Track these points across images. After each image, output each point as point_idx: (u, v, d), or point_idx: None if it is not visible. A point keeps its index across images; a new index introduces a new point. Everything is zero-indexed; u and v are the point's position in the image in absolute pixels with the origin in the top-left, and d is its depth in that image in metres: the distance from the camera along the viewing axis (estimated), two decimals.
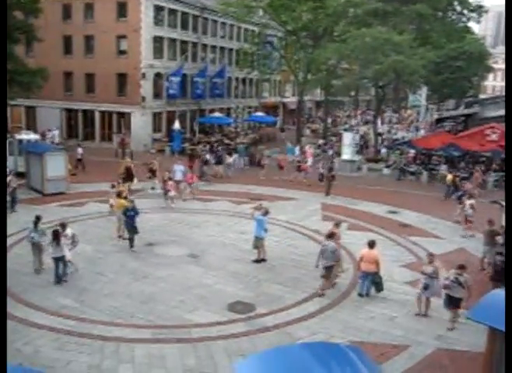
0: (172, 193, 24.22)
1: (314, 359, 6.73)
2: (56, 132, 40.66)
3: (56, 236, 14.82)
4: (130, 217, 17.85)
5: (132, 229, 17.96)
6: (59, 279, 14.99)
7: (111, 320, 12.81)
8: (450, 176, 28.69)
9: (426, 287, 13.37)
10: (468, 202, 21.54)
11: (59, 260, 14.90)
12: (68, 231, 15.53)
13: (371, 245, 14.65)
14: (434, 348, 12.04)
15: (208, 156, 32.33)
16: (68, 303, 13.67)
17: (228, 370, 10.29)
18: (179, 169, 26.18)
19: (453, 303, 12.89)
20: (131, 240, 17.97)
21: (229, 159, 33.15)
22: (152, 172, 27.33)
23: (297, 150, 38.93)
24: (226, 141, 43.30)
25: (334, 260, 14.74)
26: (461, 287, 12.73)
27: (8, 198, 21.85)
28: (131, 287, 14.91)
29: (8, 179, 22.46)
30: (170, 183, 24.44)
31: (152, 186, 27.00)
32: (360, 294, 14.72)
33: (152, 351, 11.43)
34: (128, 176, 25.87)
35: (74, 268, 15.69)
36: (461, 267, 12.98)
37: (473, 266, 16.94)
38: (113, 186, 21.67)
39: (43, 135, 38.86)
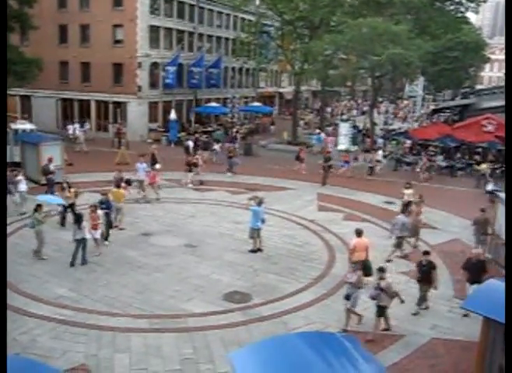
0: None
1: (310, 348, 6.78)
2: (77, 125, 37.95)
3: (78, 219, 15.46)
4: (104, 210, 17.38)
5: (106, 223, 17.58)
6: (77, 260, 15.51)
7: (108, 310, 12.85)
8: (484, 165, 27.46)
9: (347, 297, 12.28)
10: (406, 192, 21.48)
11: (80, 242, 15.43)
12: (100, 212, 16.59)
13: (359, 233, 14.72)
14: (429, 337, 12.14)
15: (190, 143, 33.06)
16: (64, 293, 13.70)
17: (224, 359, 10.33)
18: (142, 168, 23.70)
19: (379, 312, 11.92)
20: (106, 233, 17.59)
21: (215, 146, 34.21)
22: (194, 165, 26.96)
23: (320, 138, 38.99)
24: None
25: (405, 232, 16.72)
26: (384, 294, 11.79)
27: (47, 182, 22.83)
28: (128, 277, 14.95)
29: (52, 167, 23.17)
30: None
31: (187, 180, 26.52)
32: None
33: (148, 341, 11.47)
34: (153, 162, 25.96)
35: (104, 246, 16.70)
36: (380, 270, 12.00)
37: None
38: (62, 189, 19.59)
39: (64, 126, 38.62)
